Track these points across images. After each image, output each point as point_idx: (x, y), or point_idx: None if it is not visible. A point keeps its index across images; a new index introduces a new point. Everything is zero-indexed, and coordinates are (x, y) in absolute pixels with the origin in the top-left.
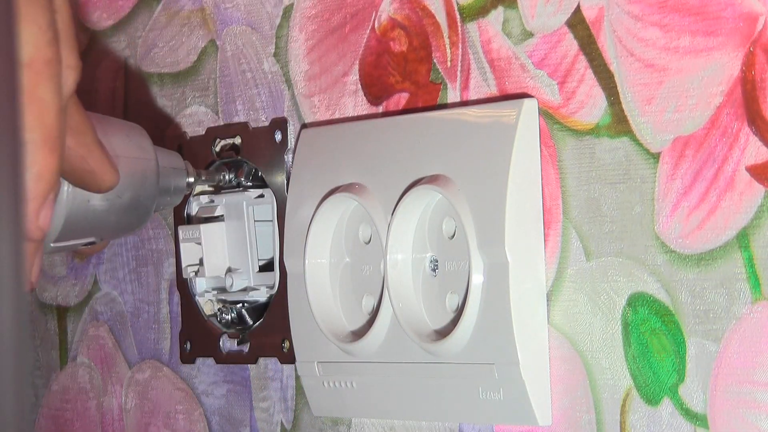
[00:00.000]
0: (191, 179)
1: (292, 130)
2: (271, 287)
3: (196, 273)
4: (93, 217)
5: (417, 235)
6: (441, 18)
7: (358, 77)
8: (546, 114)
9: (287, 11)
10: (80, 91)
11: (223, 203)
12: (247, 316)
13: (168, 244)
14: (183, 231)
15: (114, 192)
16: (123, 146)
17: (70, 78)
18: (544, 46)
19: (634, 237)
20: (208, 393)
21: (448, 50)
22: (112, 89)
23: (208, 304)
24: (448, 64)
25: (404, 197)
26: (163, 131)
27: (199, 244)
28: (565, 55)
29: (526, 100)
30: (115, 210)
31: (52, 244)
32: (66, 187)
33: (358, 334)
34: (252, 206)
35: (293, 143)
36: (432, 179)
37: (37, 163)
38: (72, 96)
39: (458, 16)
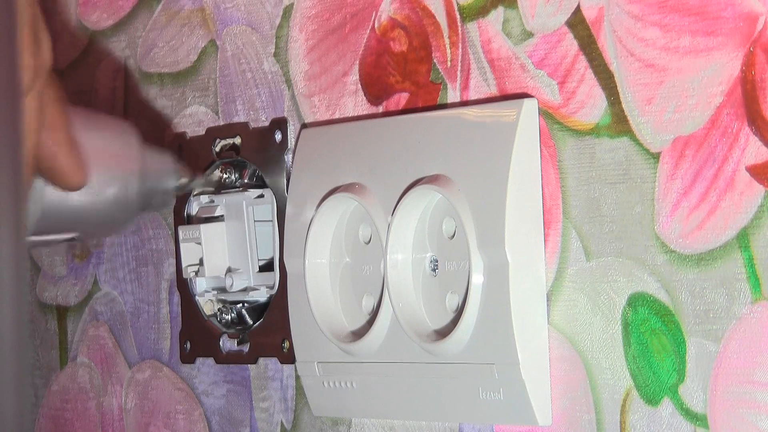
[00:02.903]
0: (183, 180)
1: (292, 130)
2: (271, 287)
3: (196, 273)
4: (71, 211)
5: (417, 235)
6: (441, 18)
7: (358, 77)
8: (546, 114)
9: (287, 11)
10: (80, 91)
11: (223, 203)
12: (247, 316)
13: (168, 244)
14: (183, 231)
15: (93, 187)
16: (106, 143)
17: (25, 77)
18: (544, 46)
19: (634, 237)
20: (208, 393)
21: (448, 50)
22: (112, 89)
23: (208, 304)
24: (448, 64)
25: (404, 197)
26: (163, 131)
27: (199, 244)
28: (565, 55)
29: (526, 100)
30: (95, 206)
31: (30, 237)
32: (40, 181)
33: (358, 334)
34: (252, 206)
35: (293, 143)
36: (432, 179)
37: None
38: (50, 92)
39: (458, 16)
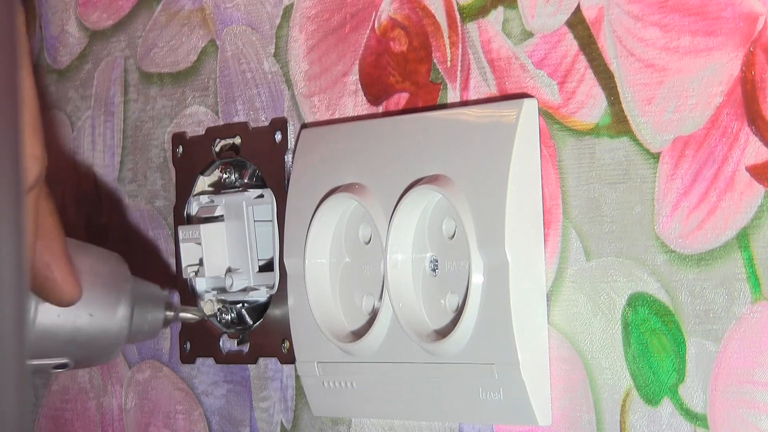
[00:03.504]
0: (170, 313)
1: (292, 130)
2: (271, 287)
3: (196, 273)
4: (63, 333)
5: (417, 235)
6: (441, 18)
7: (358, 77)
8: (546, 114)
9: (287, 11)
10: (81, 93)
11: (222, 203)
12: (247, 316)
13: (168, 244)
14: (183, 231)
15: (86, 309)
16: (98, 267)
17: (34, 168)
18: (544, 46)
19: (634, 237)
20: (208, 393)
21: (448, 50)
22: (112, 89)
23: (208, 304)
24: (448, 64)
25: (404, 197)
26: (163, 131)
27: (199, 244)
28: (565, 55)
29: (526, 100)
30: (88, 329)
31: None
32: (33, 303)
33: (358, 334)
34: (252, 206)
35: (293, 143)
36: (432, 179)
37: None
38: (46, 201)
39: (458, 16)
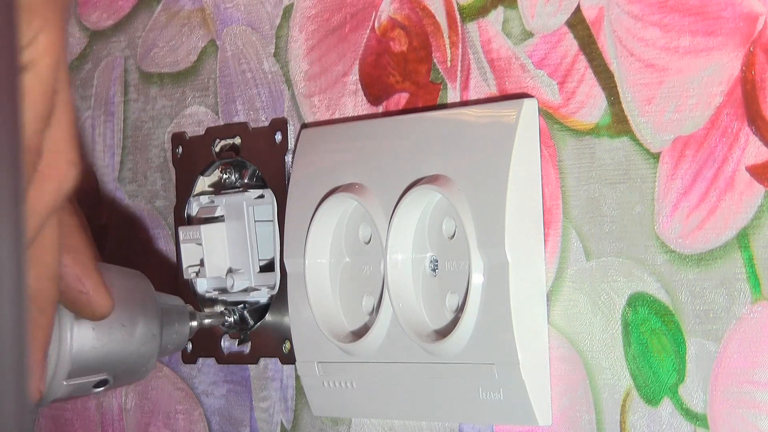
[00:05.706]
0: (194, 323)
1: (292, 130)
2: (272, 287)
3: (197, 274)
4: (99, 348)
5: (417, 235)
6: (441, 18)
7: (358, 77)
8: (546, 114)
9: (287, 11)
10: (81, 93)
11: (223, 204)
12: (248, 316)
13: (168, 245)
14: (183, 232)
15: (118, 321)
16: (125, 284)
17: (70, 173)
18: (544, 46)
19: (634, 237)
20: (208, 393)
21: (448, 50)
22: (112, 89)
23: (209, 305)
24: (448, 64)
25: (404, 197)
26: (163, 131)
27: (200, 244)
28: (565, 55)
29: (526, 100)
30: (121, 343)
31: (65, 382)
32: (68, 320)
33: (358, 334)
34: (252, 206)
35: (293, 143)
36: (432, 179)
37: None
38: (71, 217)
39: (458, 16)
